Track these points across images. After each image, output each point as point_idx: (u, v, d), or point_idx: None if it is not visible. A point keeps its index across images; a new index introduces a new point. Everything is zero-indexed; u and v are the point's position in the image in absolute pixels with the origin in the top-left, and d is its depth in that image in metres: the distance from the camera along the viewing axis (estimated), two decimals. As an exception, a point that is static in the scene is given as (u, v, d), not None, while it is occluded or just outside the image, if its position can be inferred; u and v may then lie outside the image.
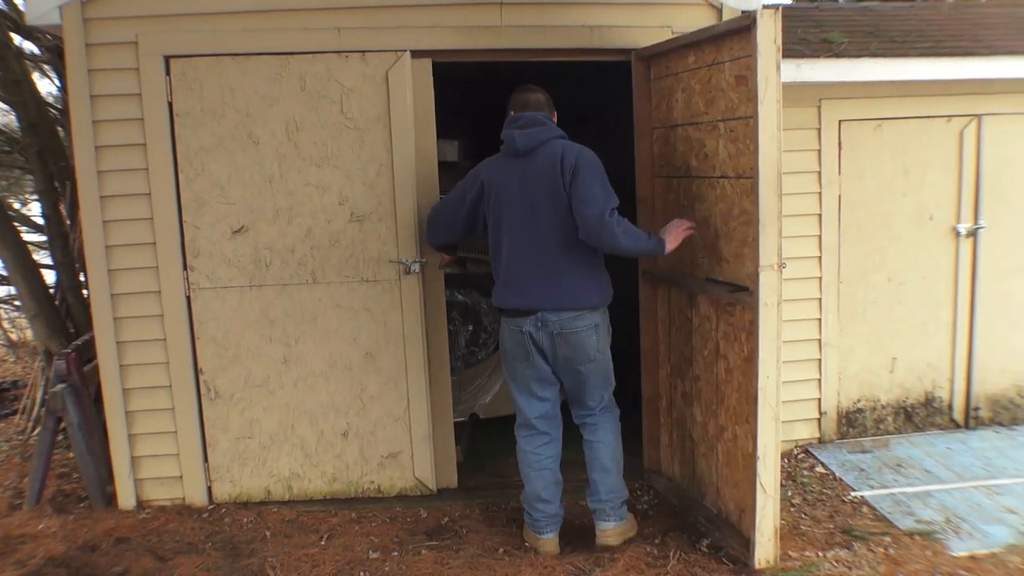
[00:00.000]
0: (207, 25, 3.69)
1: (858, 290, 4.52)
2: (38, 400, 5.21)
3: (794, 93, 4.15)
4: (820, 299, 4.46)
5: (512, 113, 3.36)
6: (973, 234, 4.56)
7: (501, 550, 3.48)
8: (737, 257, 3.21)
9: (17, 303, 6.80)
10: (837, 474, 4.13)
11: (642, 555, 3.32)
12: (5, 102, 5.87)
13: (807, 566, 3.19)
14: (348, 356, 3.90)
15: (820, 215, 4.41)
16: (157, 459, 3.91)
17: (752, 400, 3.08)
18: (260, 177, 3.77)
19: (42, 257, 6.09)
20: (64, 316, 5.30)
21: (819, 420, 4.55)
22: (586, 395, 3.42)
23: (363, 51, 3.71)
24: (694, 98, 3.43)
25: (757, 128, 2.92)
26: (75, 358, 3.97)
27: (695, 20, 3.77)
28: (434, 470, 4.01)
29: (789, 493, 3.92)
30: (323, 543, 3.56)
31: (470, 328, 5.09)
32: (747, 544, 3.17)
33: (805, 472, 4.19)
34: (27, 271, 5.15)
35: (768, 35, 2.87)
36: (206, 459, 3.94)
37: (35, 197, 6.88)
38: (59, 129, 5.73)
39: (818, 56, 4.15)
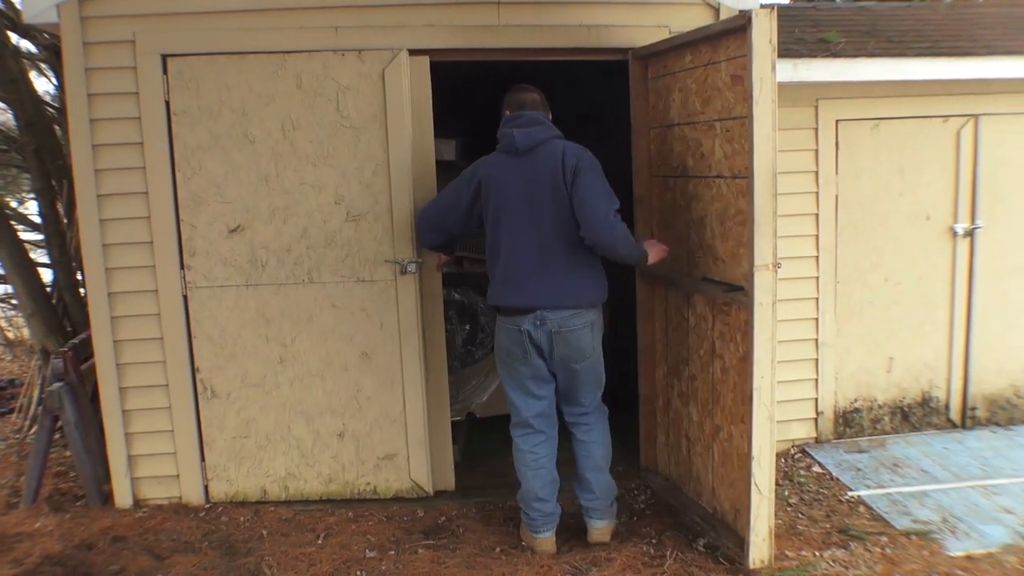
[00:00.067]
0: (204, 24, 3.69)
1: (855, 290, 4.52)
2: (35, 399, 5.21)
3: (791, 93, 4.15)
4: (817, 299, 4.46)
5: (508, 112, 3.36)
6: (970, 234, 4.56)
7: (498, 549, 3.48)
8: (733, 257, 3.22)
9: (14, 301, 6.80)
10: (834, 474, 4.13)
11: (639, 554, 3.33)
12: (2, 100, 5.87)
13: (804, 566, 3.20)
14: (344, 356, 3.90)
15: (817, 215, 4.41)
16: (154, 458, 3.91)
17: (747, 400, 3.08)
18: (256, 176, 3.77)
19: (39, 255, 6.10)
20: (61, 314, 5.29)
21: (816, 420, 4.55)
22: (580, 393, 3.42)
23: (359, 49, 3.71)
24: (691, 98, 3.43)
25: (752, 128, 2.92)
26: (72, 357, 3.97)
27: (692, 19, 3.77)
28: (430, 473, 4.00)
29: (786, 493, 3.92)
30: (320, 542, 3.56)
31: (467, 327, 5.10)
32: (742, 544, 3.17)
33: (802, 472, 4.20)
34: (24, 269, 5.15)
35: (763, 35, 2.87)
36: (203, 458, 3.93)
37: (32, 195, 6.88)
38: (56, 128, 5.73)
39: (815, 56, 4.15)
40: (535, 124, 3.28)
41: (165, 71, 3.68)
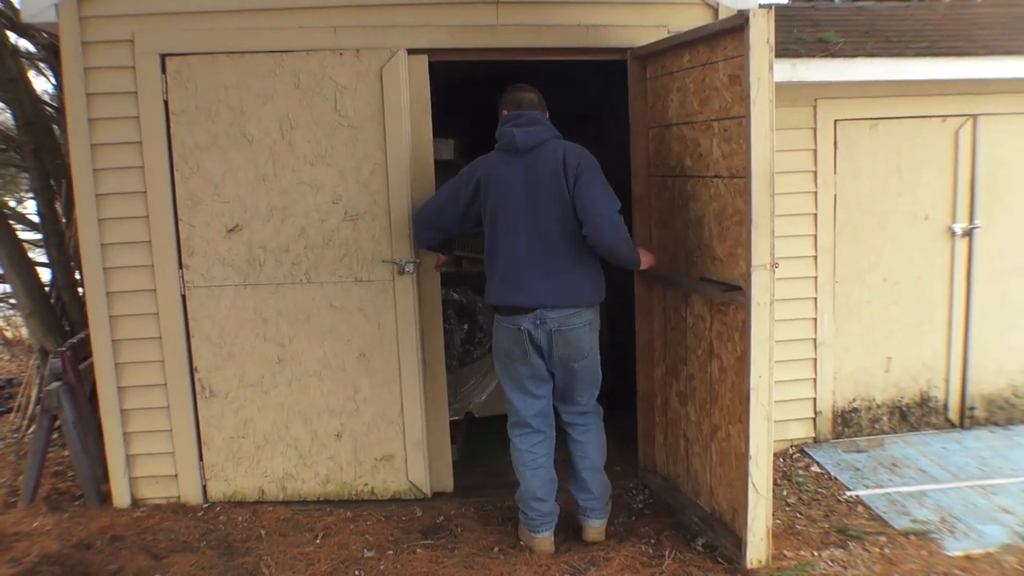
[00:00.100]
0: (203, 23, 3.69)
1: (853, 290, 4.52)
2: (33, 398, 5.21)
3: (790, 93, 4.16)
4: (815, 298, 4.46)
5: (506, 112, 3.37)
6: (968, 234, 4.56)
7: (496, 549, 3.48)
8: (731, 256, 3.22)
9: (12, 301, 6.79)
10: (832, 473, 4.13)
11: (637, 554, 3.33)
12: (1, 100, 5.87)
13: (802, 565, 3.20)
14: (342, 357, 3.90)
15: (816, 214, 4.40)
16: (152, 457, 3.91)
17: (745, 399, 3.08)
18: (254, 175, 3.77)
19: (38, 255, 6.10)
20: (59, 314, 5.29)
21: (814, 419, 4.55)
22: (577, 392, 3.42)
23: (357, 49, 3.70)
24: (689, 97, 3.43)
25: (749, 128, 2.92)
26: (70, 356, 3.97)
27: (691, 19, 3.76)
28: (428, 474, 3.99)
29: (784, 492, 3.92)
30: (318, 542, 3.56)
31: (465, 327, 5.10)
32: (740, 544, 3.17)
33: (800, 471, 4.19)
34: (23, 269, 5.15)
35: (761, 34, 2.87)
36: (201, 458, 3.93)
37: (31, 195, 6.88)
38: (55, 127, 5.73)
39: (814, 56, 4.15)
40: (535, 124, 3.29)
41: (164, 70, 3.68)
